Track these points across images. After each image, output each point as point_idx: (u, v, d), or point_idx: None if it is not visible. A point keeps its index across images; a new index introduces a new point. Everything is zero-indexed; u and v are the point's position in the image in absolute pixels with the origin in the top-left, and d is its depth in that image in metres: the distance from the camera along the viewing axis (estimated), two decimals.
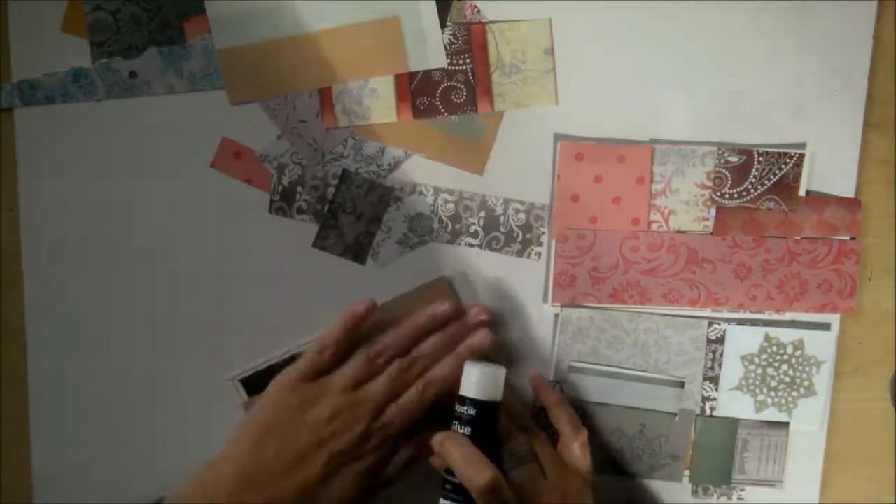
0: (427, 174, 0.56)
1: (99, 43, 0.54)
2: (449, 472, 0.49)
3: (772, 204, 0.55)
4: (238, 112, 0.55)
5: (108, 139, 0.55)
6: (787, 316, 0.57)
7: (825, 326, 0.57)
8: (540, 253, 0.56)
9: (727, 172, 0.55)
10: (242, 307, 0.56)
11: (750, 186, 0.55)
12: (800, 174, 0.55)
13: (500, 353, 0.56)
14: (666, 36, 0.54)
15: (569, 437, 0.52)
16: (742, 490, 0.58)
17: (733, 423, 0.57)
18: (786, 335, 0.57)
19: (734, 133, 0.55)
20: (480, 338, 0.52)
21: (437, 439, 0.49)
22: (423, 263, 0.56)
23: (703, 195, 0.55)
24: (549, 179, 0.56)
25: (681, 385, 0.57)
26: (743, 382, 0.57)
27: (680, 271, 0.56)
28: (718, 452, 0.58)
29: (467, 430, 0.49)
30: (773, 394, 0.57)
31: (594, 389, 0.57)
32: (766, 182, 0.55)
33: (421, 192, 0.55)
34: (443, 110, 0.55)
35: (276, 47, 0.54)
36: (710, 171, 0.55)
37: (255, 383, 0.56)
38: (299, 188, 0.55)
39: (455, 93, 0.55)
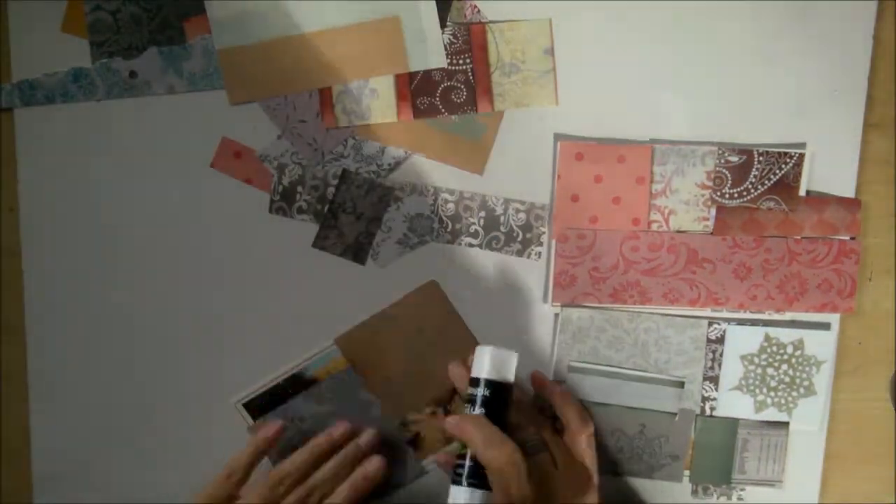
0: (427, 174, 0.56)
1: (99, 43, 0.54)
2: (461, 457, 0.48)
3: (772, 204, 0.55)
4: (238, 112, 0.55)
5: (108, 139, 0.55)
6: (787, 316, 0.57)
7: (825, 326, 0.57)
8: (540, 253, 0.56)
9: (727, 172, 0.55)
10: (243, 307, 0.56)
11: (750, 186, 0.55)
12: (800, 174, 0.55)
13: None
14: (666, 36, 0.54)
15: (577, 430, 0.52)
16: (742, 490, 0.58)
17: (733, 423, 0.57)
18: (786, 335, 0.57)
19: (734, 133, 0.55)
20: (374, 465, 0.53)
21: (452, 422, 0.49)
22: (423, 263, 0.56)
23: (703, 195, 0.55)
24: (549, 179, 0.56)
25: (681, 385, 0.57)
26: (743, 382, 0.57)
27: (680, 271, 0.56)
28: (718, 452, 0.58)
29: (481, 411, 0.49)
30: (773, 394, 0.57)
31: (594, 389, 0.57)
32: (767, 182, 0.55)
33: (421, 193, 0.55)
34: (443, 110, 0.55)
35: (276, 47, 0.54)
36: (710, 171, 0.55)
37: (258, 405, 0.56)
38: (299, 188, 0.55)
39: (455, 93, 0.55)
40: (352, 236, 0.56)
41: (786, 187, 0.55)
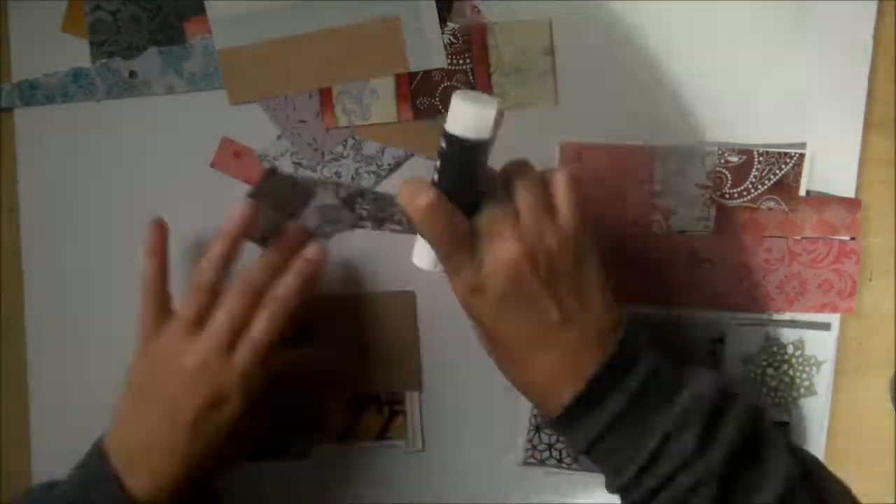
0: (427, 174, 0.55)
1: (99, 43, 0.54)
2: None
3: (772, 204, 0.55)
4: (238, 112, 0.55)
5: (108, 139, 0.55)
6: (787, 316, 0.57)
7: (825, 326, 0.57)
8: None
9: (727, 172, 0.55)
10: None
11: (750, 186, 0.55)
12: (800, 174, 0.55)
13: None
14: (666, 36, 0.54)
15: (550, 176, 0.45)
16: None
17: None
18: (786, 335, 0.57)
19: (734, 133, 0.55)
20: (314, 249, 0.49)
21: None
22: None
23: (703, 195, 0.55)
24: None
25: None
26: (743, 382, 0.57)
27: (680, 271, 0.56)
28: None
29: (438, 164, 0.43)
30: (773, 394, 0.57)
31: None
32: (767, 182, 0.55)
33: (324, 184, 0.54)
34: (443, 110, 0.55)
35: (276, 47, 0.54)
36: (710, 171, 0.55)
37: None
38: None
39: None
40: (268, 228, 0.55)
41: (786, 187, 0.55)
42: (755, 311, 0.57)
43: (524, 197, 0.44)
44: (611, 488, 0.44)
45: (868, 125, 0.55)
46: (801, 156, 0.55)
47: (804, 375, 0.57)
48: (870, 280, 0.57)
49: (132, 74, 0.54)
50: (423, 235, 0.45)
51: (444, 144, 0.43)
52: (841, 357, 0.57)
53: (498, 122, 0.42)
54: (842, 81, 0.55)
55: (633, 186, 0.55)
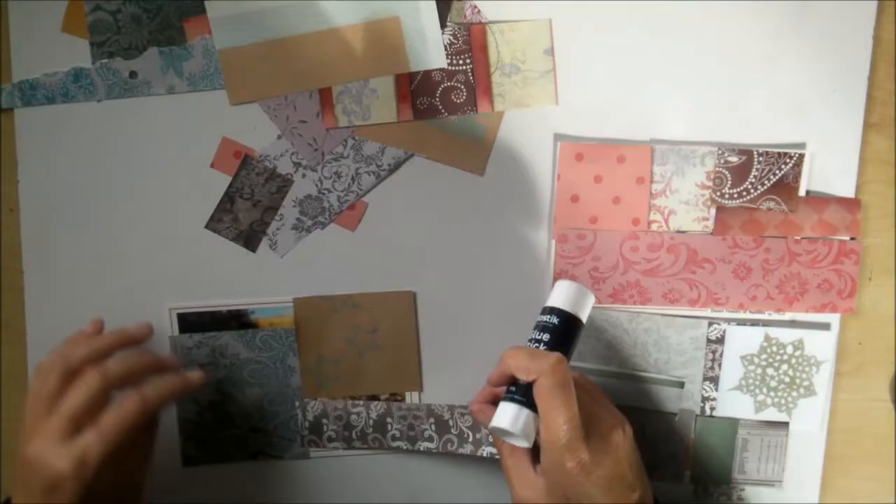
0: (427, 174, 0.56)
1: (99, 43, 0.54)
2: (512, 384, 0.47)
3: (772, 204, 0.55)
4: (238, 112, 0.55)
5: (108, 139, 0.55)
6: (787, 316, 0.57)
7: (825, 326, 0.57)
8: None
9: (727, 172, 0.55)
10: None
11: (750, 186, 0.55)
12: (800, 174, 0.55)
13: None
14: (666, 36, 0.54)
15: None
16: (742, 490, 0.58)
17: (733, 423, 0.57)
18: (786, 335, 0.57)
19: (734, 133, 0.55)
20: (202, 376, 0.50)
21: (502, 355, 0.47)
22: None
23: (703, 195, 0.55)
24: (549, 179, 0.56)
25: (681, 385, 0.57)
26: (743, 382, 0.57)
27: (680, 271, 0.56)
28: (718, 452, 0.58)
29: (545, 336, 0.48)
30: (773, 394, 0.57)
31: None
32: (766, 182, 0.55)
33: (304, 175, 0.55)
34: (443, 110, 0.55)
35: (276, 47, 0.54)
36: (710, 171, 0.55)
37: (191, 321, 0.56)
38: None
39: (455, 93, 0.55)
40: (246, 223, 0.55)
41: (786, 187, 0.55)
42: (755, 311, 0.57)
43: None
44: None
45: (868, 125, 0.55)
46: (801, 156, 0.55)
47: (804, 375, 0.57)
48: (870, 280, 0.57)
49: (132, 74, 0.54)
50: (545, 396, 0.45)
51: (555, 320, 0.48)
52: (841, 357, 0.57)
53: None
54: (842, 81, 0.55)
55: (632, 186, 0.55)
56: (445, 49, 0.54)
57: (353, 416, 0.57)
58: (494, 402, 0.48)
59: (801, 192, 0.55)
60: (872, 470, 0.58)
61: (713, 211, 0.56)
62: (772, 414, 0.57)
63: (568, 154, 0.55)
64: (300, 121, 0.55)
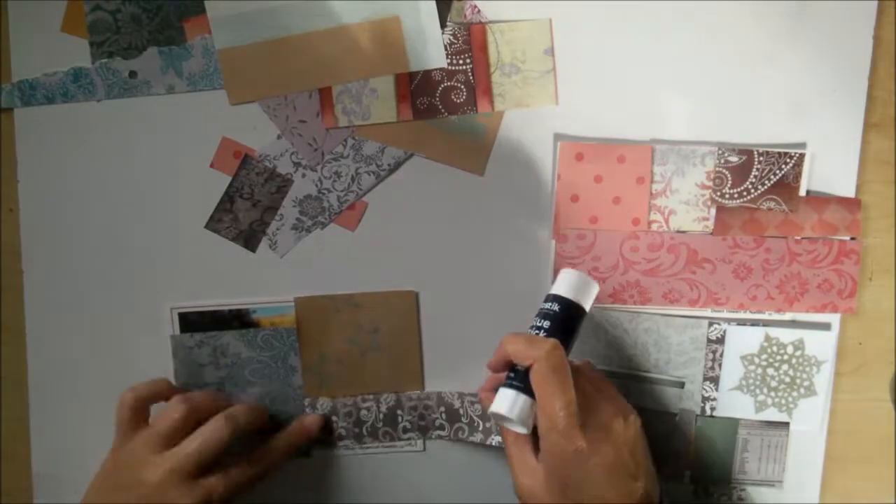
0: (427, 174, 0.56)
1: (99, 43, 0.54)
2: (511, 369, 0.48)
3: (772, 204, 0.55)
4: (238, 112, 0.55)
5: (107, 139, 0.55)
6: (787, 316, 0.57)
7: (825, 326, 0.57)
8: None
9: (727, 172, 0.55)
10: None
11: (750, 186, 0.55)
12: (800, 174, 0.55)
13: None
14: (666, 36, 0.54)
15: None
16: (742, 490, 0.58)
17: (733, 423, 0.57)
18: (786, 335, 0.57)
19: (734, 133, 0.55)
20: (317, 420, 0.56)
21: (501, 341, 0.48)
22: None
23: (703, 195, 0.55)
24: (549, 179, 0.56)
25: (681, 385, 0.57)
26: (743, 382, 0.57)
27: (680, 271, 0.56)
28: (718, 452, 0.58)
29: (546, 323, 0.48)
30: (773, 394, 0.57)
31: None
32: (767, 182, 0.55)
33: (304, 174, 0.55)
34: (443, 110, 0.55)
35: (276, 47, 0.54)
36: (710, 171, 0.55)
37: (192, 321, 0.56)
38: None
39: (455, 93, 0.55)
40: (246, 223, 0.55)
41: (786, 187, 0.55)
42: (755, 311, 0.57)
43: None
44: None
45: (868, 125, 0.55)
46: (801, 156, 0.55)
47: (804, 375, 0.57)
48: (870, 280, 0.57)
49: (132, 74, 0.54)
50: (541, 381, 0.45)
51: (556, 307, 0.49)
52: (841, 357, 0.57)
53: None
54: (842, 81, 0.55)
55: (633, 186, 0.55)
56: (445, 49, 0.54)
57: (364, 412, 0.57)
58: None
59: (802, 192, 0.55)
60: (872, 470, 0.58)
61: (713, 211, 0.56)
62: (772, 414, 0.57)
63: (568, 154, 0.55)
64: (300, 121, 0.55)
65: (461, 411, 0.57)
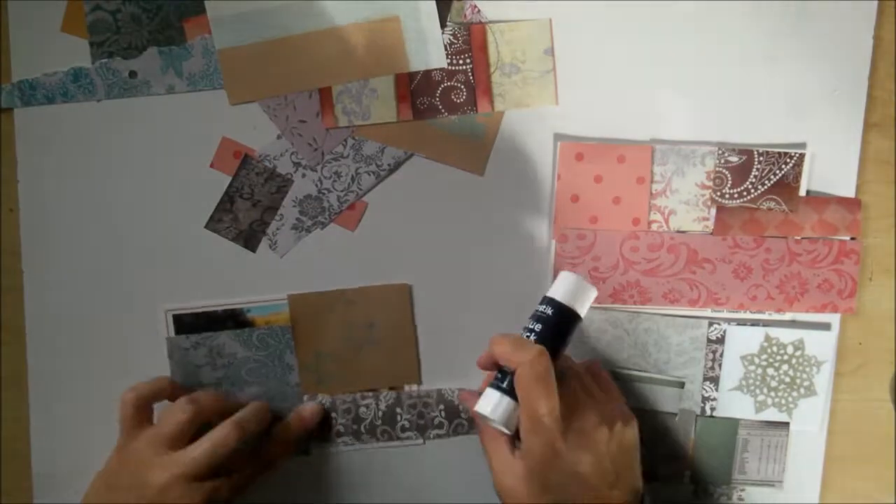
0: (427, 174, 0.56)
1: (99, 43, 0.54)
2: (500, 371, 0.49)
3: (772, 204, 0.55)
4: (238, 112, 0.55)
5: (107, 139, 0.55)
6: (788, 316, 0.57)
7: (825, 326, 0.57)
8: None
9: (727, 172, 0.55)
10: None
11: (750, 186, 0.55)
12: (800, 174, 0.55)
13: None
14: (666, 36, 0.54)
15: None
16: (742, 490, 0.58)
17: (733, 423, 0.57)
18: (786, 335, 0.57)
19: (734, 133, 0.55)
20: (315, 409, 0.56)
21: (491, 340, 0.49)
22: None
23: (703, 195, 0.55)
24: (549, 179, 0.56)
25: (681, 385, 0.57)
26: (743, 382, 0.57)
27: (680, 271, 0.56)
28: (718, 452, 0.58)
29: (538, 326, 0.49)
30: (773, 394, 0.57)
31: None
32: (767, 182, 0.55)
33: (304, 174, 0.55)
34: (443, 110, 0.55)
35: (276, 47, 0.54)
36: (710, 171, 0.55)
37: (186, 322, 0.56)
38: None
39: (455, 93, 0.55)
40: (245, 223, 0.55)
41: (786, 187, 0.55)
42: (755, 311, 0.57)
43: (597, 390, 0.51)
44: None
45: (868, 125, 0.55)
46: (801, 156, 0.55)
47: (804, 375, 0.57)
48: (870, 280, 0.57)
49: (132, 74, 0.54)
50: (524, 387, 0.46)
51: (549, 311, 0.49)
52: (841, 357, 0.57)
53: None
54: (842, 81, 0.55)
55: (633, 186, 0.55)
56: (445, 49, 0.54)
57: (363, 409, 0.57)
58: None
59: (802, 192, 0.55)
60: (872, 470, 0.58)
61: (713, 211, 0.56)
62: (772, 414, 0.57)
63: (568, 154, 0.55)
64: (300, 121, 0.55)
65: (461, 407, 0.57)
